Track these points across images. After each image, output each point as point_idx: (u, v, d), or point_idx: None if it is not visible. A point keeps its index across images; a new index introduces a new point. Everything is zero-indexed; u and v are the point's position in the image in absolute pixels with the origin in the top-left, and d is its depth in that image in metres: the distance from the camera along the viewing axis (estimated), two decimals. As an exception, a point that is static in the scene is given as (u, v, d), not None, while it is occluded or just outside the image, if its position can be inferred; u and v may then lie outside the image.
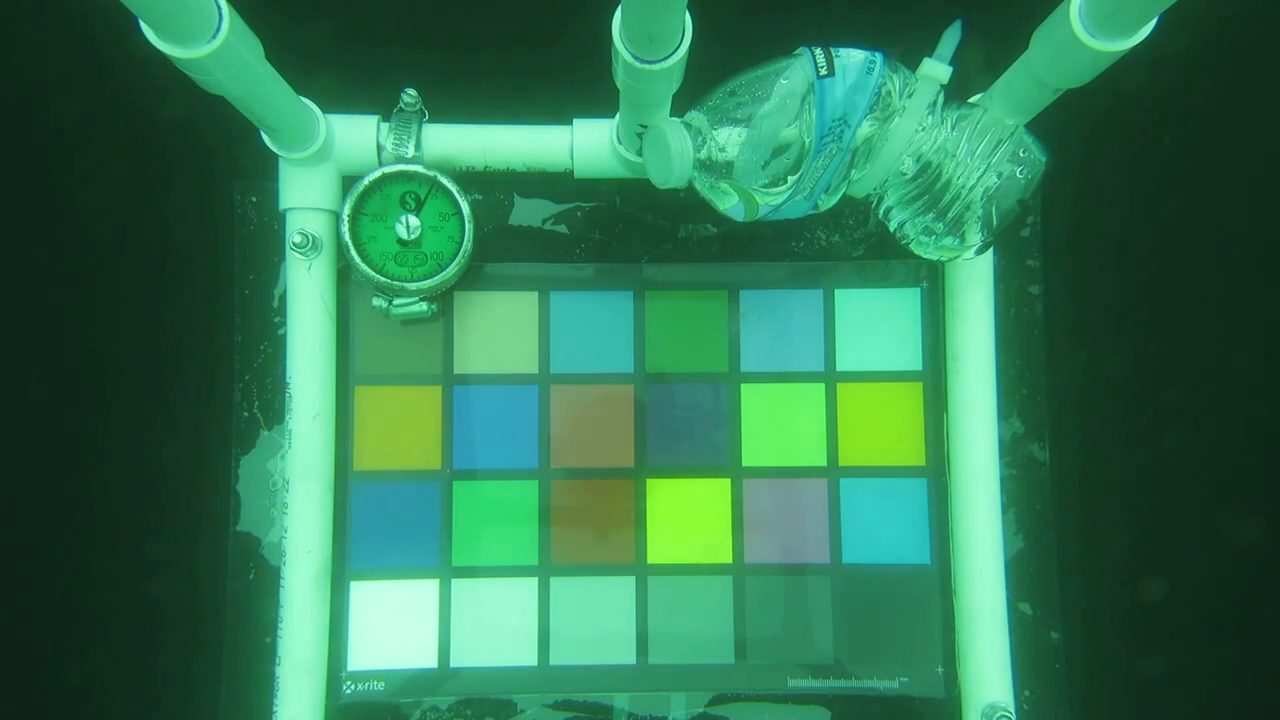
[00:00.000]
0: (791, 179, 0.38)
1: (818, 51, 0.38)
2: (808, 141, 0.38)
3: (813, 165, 0.38)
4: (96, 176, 0.50)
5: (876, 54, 0.38)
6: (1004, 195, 0.40)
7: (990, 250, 0.48)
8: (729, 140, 0.38)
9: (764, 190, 0.39)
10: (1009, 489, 0.49)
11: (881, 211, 0.43)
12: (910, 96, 0.39)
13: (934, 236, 0.42)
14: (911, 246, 0.43)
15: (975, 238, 0.41)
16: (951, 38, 0.39)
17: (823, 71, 0.37)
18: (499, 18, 0.51)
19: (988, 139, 0.40)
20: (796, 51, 0.38)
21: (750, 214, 0.40)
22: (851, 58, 0.38)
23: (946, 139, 0.40)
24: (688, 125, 0.38)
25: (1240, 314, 0.51)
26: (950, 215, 0.41)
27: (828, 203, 0.41)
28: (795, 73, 0.37)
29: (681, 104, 0.38)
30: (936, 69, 0.39)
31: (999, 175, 0.40)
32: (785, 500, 0.49)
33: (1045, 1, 0.35)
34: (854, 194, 0.42)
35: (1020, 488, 0.49)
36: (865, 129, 0.39)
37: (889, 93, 0.39)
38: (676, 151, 0.38)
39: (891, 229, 0.43)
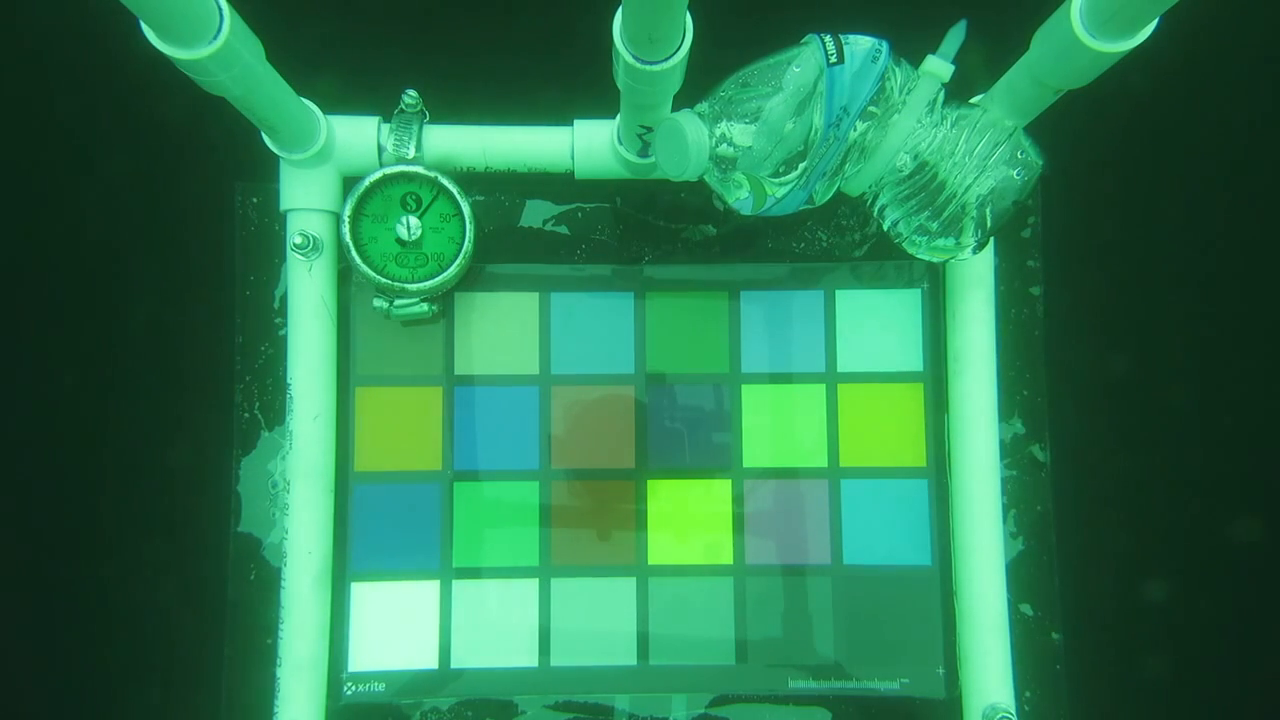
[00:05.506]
0: (802, 166, 0.38)
1: (827, 39, 0.38)
2: (817, 128, 0.38)
3: (817, 152, 0.38)
4: (98, 177, 0.50)
5: (883, 42, 0.38)
6: (1000, 197, 0.40)
7: (991, 251, 0.48)
8: (741, 130, 0.38)
9: (772, 180, 0.39)
10: (1010, 490, 0.49)
11: (876, 209, 0.43)
12: (910, 93, 0.39)
13: (927, 236, 0.42)
14: (904, 245, 0.43)
15: (970, 238, 0.41)
16: (956, 36, 0.39)
17: (833, 59, 0.37)
18: (499, 19, 0.51)
19: (986, 140, 0.39)
20: (805, 39, 0.38)
21: (758, 205, 0.40)
22: (859, 44, 0.38)
23: (945, 138, 0.40)
24: (701, 116, 0.38)
25: (1240, 314, 0.51)
26: (945, 215, 0.41)
27: (822, 196, 0.41)
28: (806, 60, 0.38)
29: (682, 104, 0.38)
30: (939, 66, 0.39)
31: (995, 177, 0.40)
32: (786, 501, 0.49)
33: (1046, 2, 0.35)
34: (850, 191, 0.42)
35: (1021, 489, 0.49)
36: (864, 124, 0.39)
37: (890, 88, 0.39)
38: (693, 142, 0.37)
39: (885, 227, 0.43)
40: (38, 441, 0.50)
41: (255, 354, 0.49)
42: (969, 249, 0.42)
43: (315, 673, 0.46)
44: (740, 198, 0.40)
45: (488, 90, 0.49)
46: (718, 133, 0.38)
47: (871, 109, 0.39)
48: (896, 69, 0.39)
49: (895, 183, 0.41)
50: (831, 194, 0.41)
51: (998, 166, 0.40)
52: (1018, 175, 0.40)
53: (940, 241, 0.42)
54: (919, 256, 0.44)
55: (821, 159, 0.39)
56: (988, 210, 0.40)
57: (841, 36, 0.38)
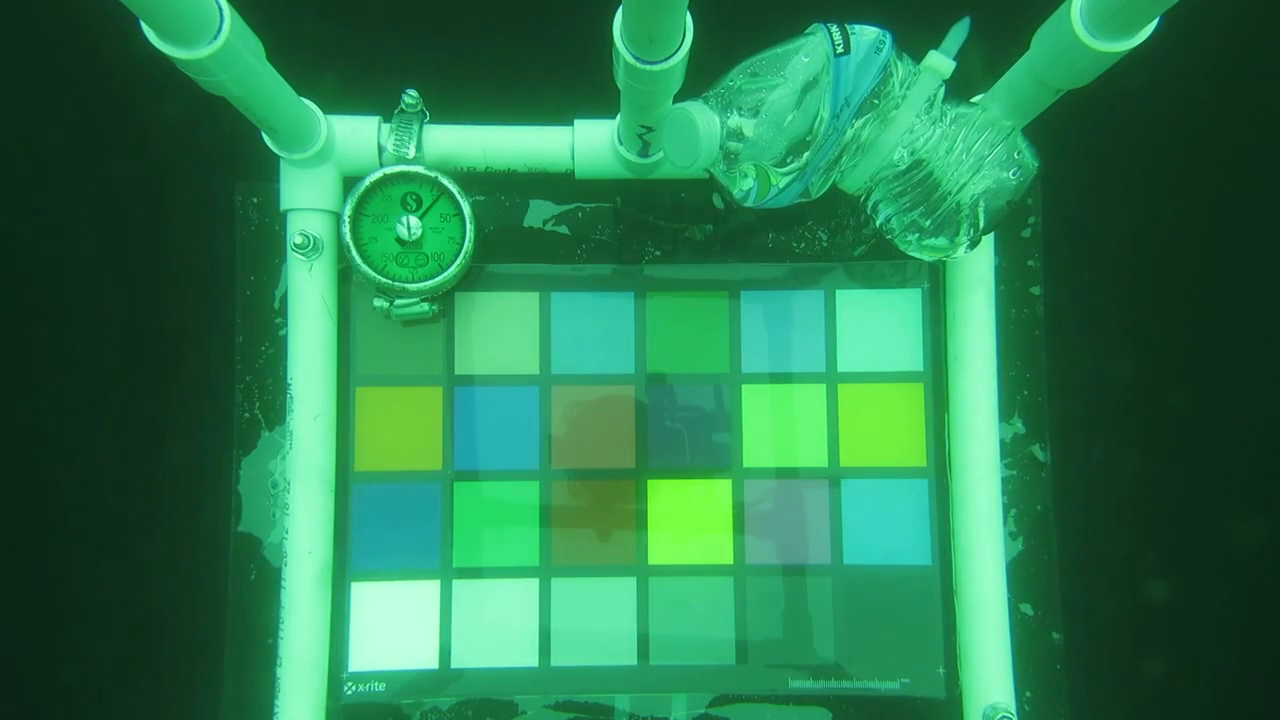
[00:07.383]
0: (806, 155, 0.38)
1: (834, 29, 0.38)
2: (822, 118, 0.38)
3: (819, 143, 0.38)
4: (98, 177, 0.50)
5: (886, 34, 0.38)
6: (994, 196, 0.40)
7: (991, 251, 0.48)
8: (749, 120, 0.38)
9: (777, 169, 0.39)
10: (1010, 490, 0.49)
11: (870, 206, 0.43)
12: (911, 88, 0.39)
13: (919, 234, 0.42)
14: (896, 242, 0.43)
15: (964, 237, 0.41)
16: (958, 33, 0.39)
17: (839, 50, 0.37)
18: (500, 19, 0.51)
19: (983, 139, 0.40)
20: (811, 29, 0.38)
21: (761, 195, 0.40)
22: (864, 35, 0.38)
23: (943, 134, 0.40)
24: (709, 105, 0.38)
25: (1241, 314, 0.51)
26: (939, 213, 0.41)
27: (819, 189, 0.41)
28: (814, 50, 0.38)
29: (681, 101, 0.38)
30: (940, 62, 0.39)
31: (991, 177, 0.40)
32: (786, 501, 0.49)
33: (1046, 2, 0.35)
34: (846, 186, 0.42)
35: (1021, 488, 0.49)
36: (863, 117, 0.39)
37: (892, 82, 0.39)
38: (704, 131, 0.37)
39: (878, 224, 0.43)
40: (38, 441, 0.50)
41: (255, 354, 0.49)
42: (962, 247, 0.42)
43: (315, 673, 0.46)
44: (745, 188, 0.40)
45: (488, 90, 0.49)
46: (728, 124, 0.38)
47: (873, 101, 0.39)
48: (898, 63, 0.39)
49: (890, 179, 0.41)
50: (828, 187, 0.41)
51: (993, 166, 0.40)
52: (1013, 176, 0.40)
53: (932, 240, 0.42)
54: (910, 254, 0.44)
55: (820, 151, 0.39)
56: (980, 210, 0.40)
57: (848, 26, 0.38)
